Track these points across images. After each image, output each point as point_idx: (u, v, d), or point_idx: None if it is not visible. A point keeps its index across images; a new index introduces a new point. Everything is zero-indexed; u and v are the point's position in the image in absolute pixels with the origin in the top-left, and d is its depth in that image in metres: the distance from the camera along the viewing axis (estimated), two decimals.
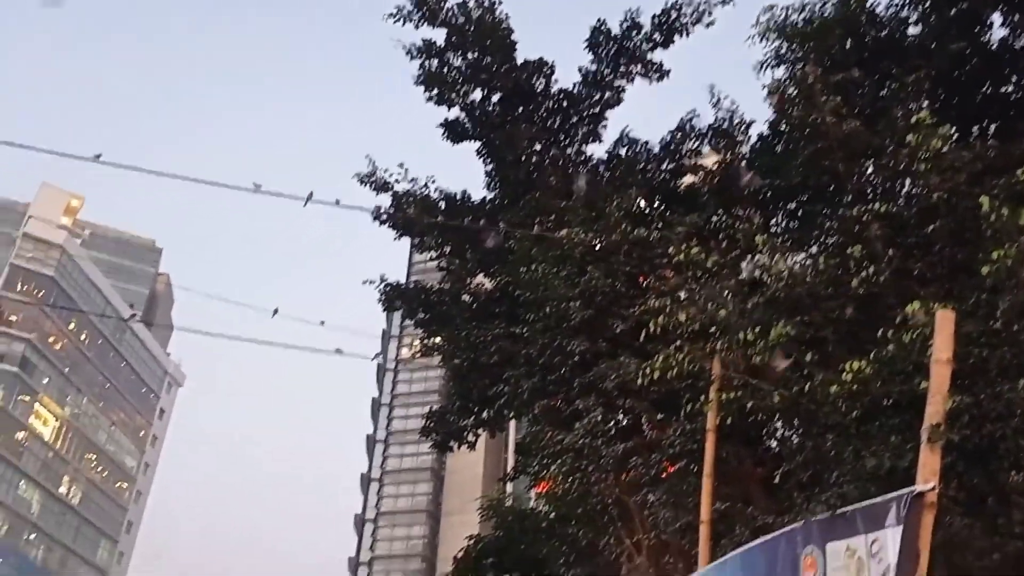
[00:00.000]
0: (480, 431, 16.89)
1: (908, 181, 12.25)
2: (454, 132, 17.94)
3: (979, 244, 8.94)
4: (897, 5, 14.72)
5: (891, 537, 6.25)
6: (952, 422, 6.80)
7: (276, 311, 13.08)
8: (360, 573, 49.71)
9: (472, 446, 17.00)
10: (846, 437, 8.62)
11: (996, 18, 14.43)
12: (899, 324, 8.15)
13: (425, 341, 17.34)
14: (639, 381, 11.05)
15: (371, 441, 48.18)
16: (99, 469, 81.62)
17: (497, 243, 16.14)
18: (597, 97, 17.21)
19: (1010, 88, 14.47)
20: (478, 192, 17.82)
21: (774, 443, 12.15)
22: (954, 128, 13.70)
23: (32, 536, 72.68)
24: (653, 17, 16.41)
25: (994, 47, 14.52)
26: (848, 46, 14.77)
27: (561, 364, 13.60)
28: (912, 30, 14.88)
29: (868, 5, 14.94)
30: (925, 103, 13.32)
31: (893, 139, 12.26)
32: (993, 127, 14.35)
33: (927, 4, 14.36)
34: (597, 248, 14.32)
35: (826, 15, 14.96)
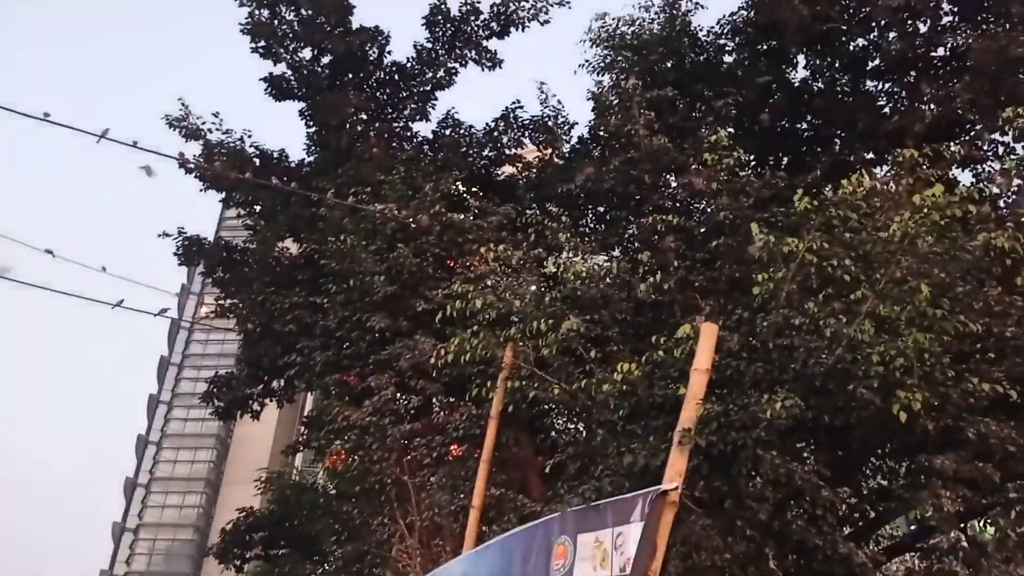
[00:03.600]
0: (267, 401, 16.38)
1: (704, 199, 13.02)
2: (278, 89, 17.23)
3: (752, 266, 9.64)
4: (716, 33, 15.62)
5: (634, 531, 6.61)
6: (702, 428, 7.28)
7: (51, 252, 11.98)
8: (124, 540, 46.96)
9: (256, 416, 16.44)
10: (613, 434, 9.06)
11: (801, 59, 15.66)
12: (672, 334, 8.63)
13: (221, 301, 16.58)
14: (433, 362, 11.12)
15: (154, 401, 45.46)
16: None
17: (309, 209, 15.67)
18: (429, 75, 17.09)
19: (804, 125, 15.76)
20: (297, 153, 17.27)
21: (554, 434, 12.60)
22: (752, 155, 14.85)
23: None
24: (492, 6, 16.48)
25: (796, 84, 15.76)
26: (669, 64, 15.54)
27: (359, 339, 13.42)
28: (727, 58, 15.86)
29: (691, 28, 15.78)
30: (729, 128, 14.24)
31: (696, 158, 13.03)
32: (786, 159, 15.59)
33: (742, 36, 15.32)
34: (410, 226, 14.25)
35: (652, 32, 15.66)
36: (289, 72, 17.09)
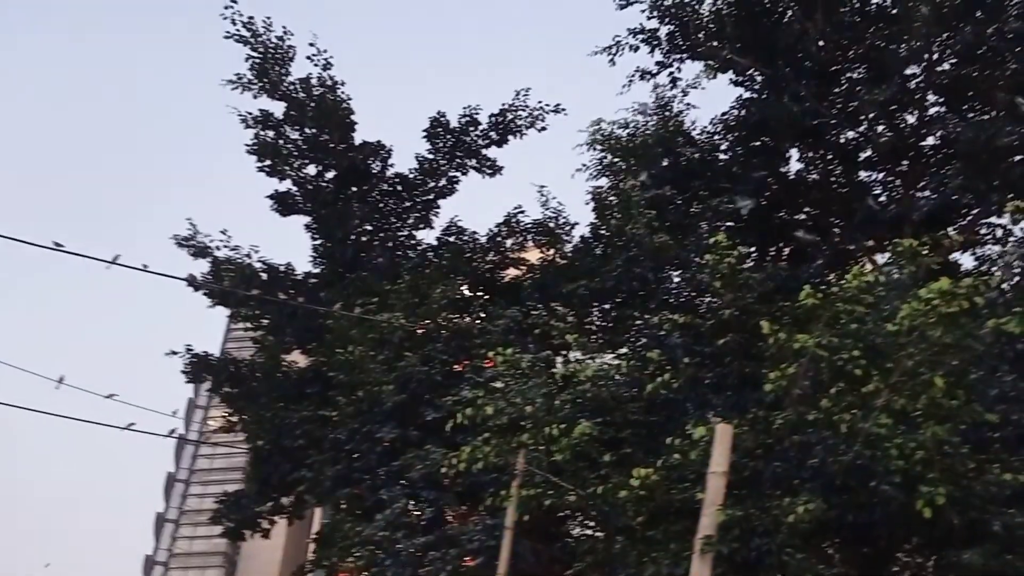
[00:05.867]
0: (277, 518, 16.06)
1: (709, 295, 13.08)
2: (284, 204, 17.59)
3: (762, 361, 9.60)
4: (709, 132, 16.03)
5: None
6: (724, 534, 7.12)
7: (61, 380, 12.01)
8: None
9: (266, 535, 16.09)
10: (633, 540, 8.85)
11: (795, 153, 16.02)
12: (686, 434, 8.54)
13: (230, 417, 16.48)
14: (445, 471, 10.97)
15: (160, 520, 44.46)
16: None
17: (316, 321, 15.75)
18: (432, 184, 17.46)
19: (803, 216, 15.98)
20: (303, 266, 17.47)
21: (572, 542, 12.28)
22: (752, 248, 15.01)
23: None
24: (490, 116, 16.98)
25: (792, 177, 16.07)
26: (665, 163, 15.88)
27: (369, 451, 13.27)
28: (722, 155, 16.21)
29: (684, 128, 16.21)
30: (729, 223, 14.45)
31: (698, 254, 13.16)
32: (788, 249, 15.74)
33: (735, 133, 15.71)
34: (417, 334, 14.30)
35: (647, 134, 16.09)
36: (295, 188, 17.48)
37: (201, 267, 16.86)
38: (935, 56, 14.18)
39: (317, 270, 17.35)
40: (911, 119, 14.60)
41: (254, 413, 15.33)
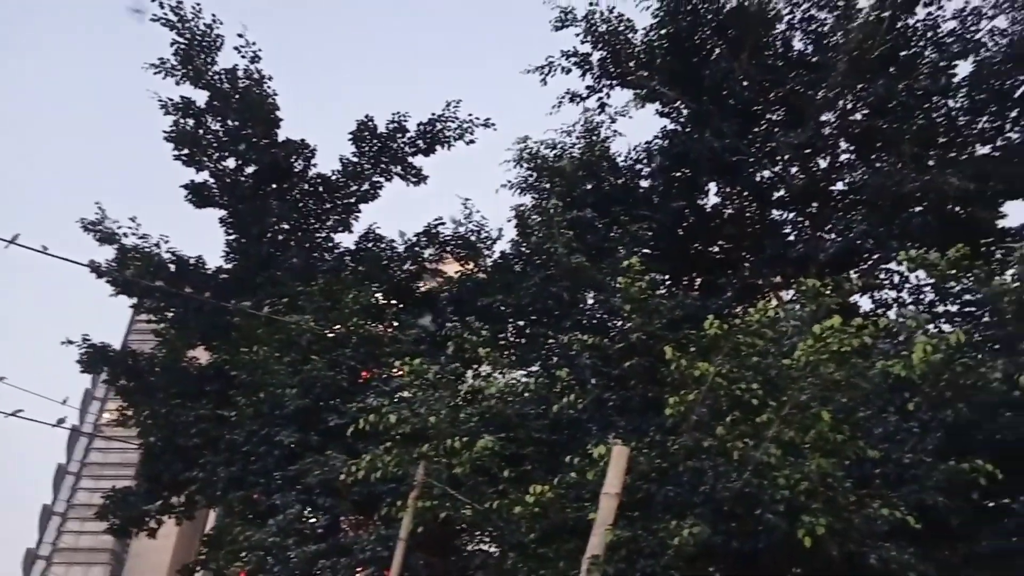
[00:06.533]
0: (166, 518, 15.53)
1: (620, 318, 13.26)
2: (200, 196, 17.15)
3: (665, 386, 9.76)
4: (633, 159, 16.32)
5: None
6: (611, 554, 7.18)
7: None
8: None
9: (152, 534, 15.54)
10: (525, 557, 8.86)
11: (713, 187, 16.43)
12: (586, 454, 8.61)
13: (125, 411, 15.89)
14: (343, 479, 10.79)
15: (47, 513, 42.50)
16: None
17: (224, 317, 15.36)
18: (354, 188, 17.28)
19: (716, 248, 16.40)
20: (215, 260, 17.03)
21: (466, 556, 12.22)
22: (666, 275, 15.31)
23: None
24: (418, 124, 16.91)
25: (708, 210, 16.47)
26: (588, 187, 16.09)
27: (266, 454, 12.97)
28: (644, 183, 16.52)
29: (609, 153, 16.46)
30: (645, 250, 14.71)
31: (613, 277, 13.34)
32: (700, 280, 16.11)
33: (657, 163, 16.04)
34: (326, 338, 14.07)
35: (573, 156, 16.27)
36: (212, 180, 17.06)
37: (108, 254, 16.31)
38: (849, 105, 14.78)
39: (229, 266, 16.96)
40: (823, 163, 15.16)
41: (149, 408, 14.81)
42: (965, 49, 14.23)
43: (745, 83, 15.22)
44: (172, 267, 16.29)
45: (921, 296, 14.19)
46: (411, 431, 10.65)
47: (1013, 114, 14.22)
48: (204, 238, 18.71)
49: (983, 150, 14.58)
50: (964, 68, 14.46)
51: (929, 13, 14.52)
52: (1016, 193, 14.23)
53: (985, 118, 14.38)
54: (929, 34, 14.57)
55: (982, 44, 14.20)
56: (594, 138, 16.84)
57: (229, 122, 16.75)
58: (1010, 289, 9.21)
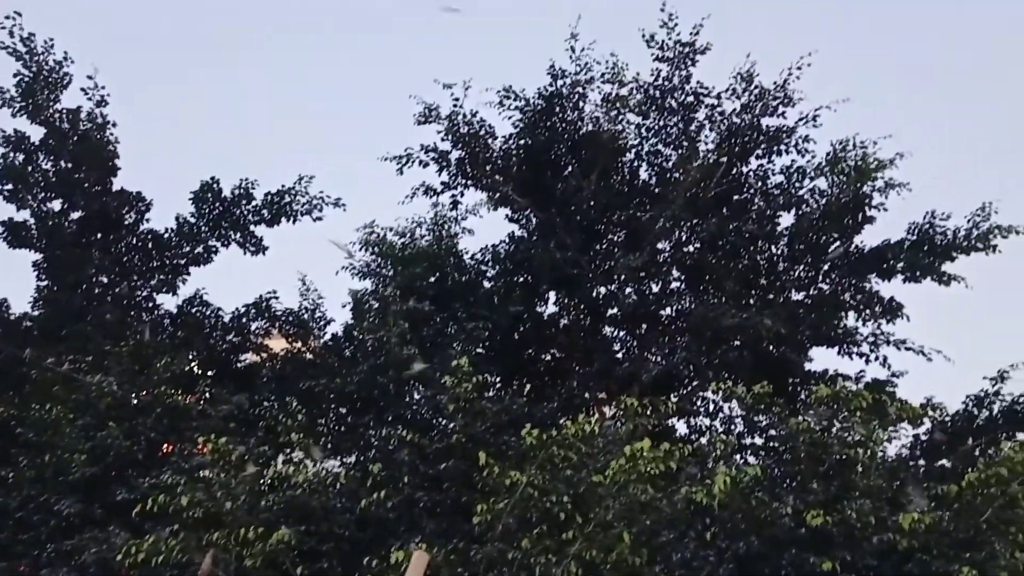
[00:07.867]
0: None
1: (444, 418, 13.10)
2: (15, 235, 15.91)
3: (477, 492, 9.62)
4: (478, 259, 16.55)
5: None
6: None
7: None
8: None
9: None
10: None
11: (552, 296, 16.85)
12: (384, 557, 8.28)
13: None
14: (121, 559, 9.88)
15: None
16: None
17: (20, 368, 14.04)
18: (187, 249, 16.46)
19: (549, 356, 16.70)
20: (22, 306, 15.69)
21: None
22: (498, 377, 15.38)
23: None
24: (266, 194, 16.44)
25: (545, 318, 16.84)
26: (431, 279, 16.13)
27: (42, 523, 11.71)
28: (487, 283, 16.74)
29: (456, 250, 16.64)
30: (480, 349, 14.77)
31: (443, 374, 13.23)
32: (529, 385, 16.28)
33: (501, 265, 16.34)
34: (129, 404, 13.08)
35: (419, 247, 16.33)
36: (32, 220, 15.89)
37: None
38: (684, 237, 15.72)
39: (36, 313, 15.66)
40: (655, 287, 15.91)
41: None
42: (789, 202, 15.53)
43: (592, 202, 15.91)
44: None
45: (732, 426, 14.91)
46: (204, 515, 9.96)
47: (825, 267, 15.54)
48: (11, 280, 17.29)
49: (797, 296, 15.77)
50: (787, 220, 15.78)
51: (760, 165, 15.82)
52: (822, 339, 15.41)
53: (801, 267, 15.64)
54: (759, 184, 15.85)
55: (804, 200, 15.55)
56: (443, 233, 17.01)
57: (62, 163, 15.79)
58: (806, 429, 9.77)
